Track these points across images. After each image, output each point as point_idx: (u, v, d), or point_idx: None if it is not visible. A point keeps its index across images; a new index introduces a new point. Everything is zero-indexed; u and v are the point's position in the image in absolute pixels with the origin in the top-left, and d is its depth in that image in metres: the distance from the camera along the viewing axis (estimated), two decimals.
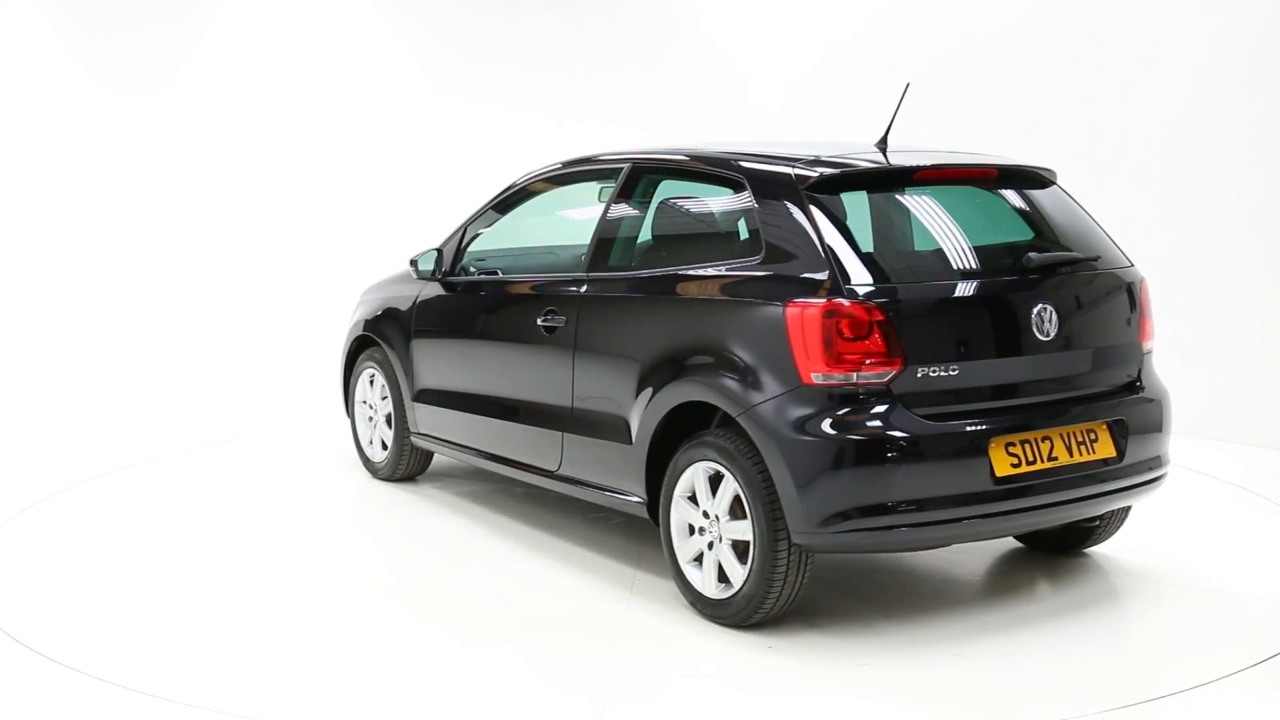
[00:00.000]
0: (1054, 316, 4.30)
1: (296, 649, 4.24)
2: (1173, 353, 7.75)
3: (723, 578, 4.35)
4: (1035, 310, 4.26)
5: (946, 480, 4.04)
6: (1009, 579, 4.94)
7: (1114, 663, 4.08)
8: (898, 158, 4.65)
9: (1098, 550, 5.23)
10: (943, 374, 4.10)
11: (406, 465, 6.38)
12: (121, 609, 4.63)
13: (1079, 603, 4.64)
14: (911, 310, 4.10)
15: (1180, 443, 7.36)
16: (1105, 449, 4.37)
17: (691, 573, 4.47)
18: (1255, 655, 4.11)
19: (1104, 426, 4.39)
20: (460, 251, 5.93)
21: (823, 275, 4.09)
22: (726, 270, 4.45)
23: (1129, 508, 4.93)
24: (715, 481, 4.35)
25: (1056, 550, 5.12)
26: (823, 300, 4.03)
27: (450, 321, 5.93)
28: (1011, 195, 4.77)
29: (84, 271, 11.06)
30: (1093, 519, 4.88)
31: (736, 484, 4.22)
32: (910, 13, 9.28)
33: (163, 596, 4.76)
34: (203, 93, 11.21)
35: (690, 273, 4.59)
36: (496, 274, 5.82)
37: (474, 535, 5.56)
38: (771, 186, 4.40)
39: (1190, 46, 7.64)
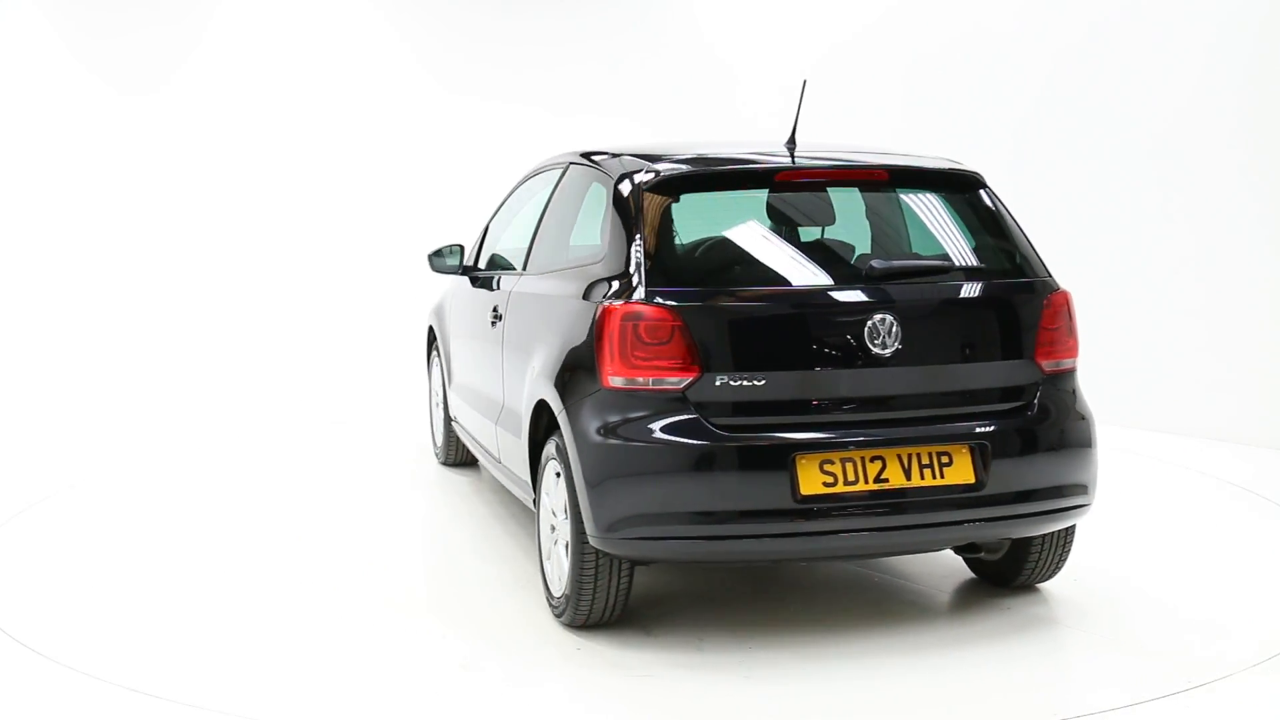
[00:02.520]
0: (895, 329, 3.97)
1: (297, 649, 4.23)
2: (1173, 353, 7.76)
3: None
4: (870, 322, 3.96)
5: (740, 494, 3.84)
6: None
7: (1114, 662, 4.08)
8: (782, 158, 4.48)
9: (1095, 550, 5.23)
10: (747, 384, 3.89)
11: (456, 452, 6.75)
12: (121, 609, 4.63)
13: (1080, 602, 4.64)
14: (714, 317, 3.94)
15: (1180, 443, 7.43)
16: (960, 474, 3.98)
17: (546, 569, 4.49)
18: (1255, 655, 4.11)
19: (963, 450, 4.00)
20: (482, 245, 6.09)
21: (634, 278, 4.03)
22: (576, 270, 4.47)
23: (1063, 538, 4.49)
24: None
25: (998, 583, 4.74)
26: (623, 303, 3.98)
27: (461, 315, 6.22)
28: (905, 199, 4.59)
29: (84, 270, 11.06)
30: (1026, 549, 4.50)
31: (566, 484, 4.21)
32: (909, 13, 9.28)
33: (163, 596, 4.76)
34: (202, 92, 11.21)
35: (556, 271, 4.70)
36: (495, 269, 5.91)
37: (491, 531, 5.57)
38: (619, 187, 4.33)
39: (1191, 46, 7.64)
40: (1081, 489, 4.23)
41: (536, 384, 4.46)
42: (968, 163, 4.69)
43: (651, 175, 4.24)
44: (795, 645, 4.15)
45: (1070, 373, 4.33)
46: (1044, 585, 4.78)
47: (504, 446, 5.13)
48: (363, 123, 11.34)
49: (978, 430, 4.04)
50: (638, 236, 4.09)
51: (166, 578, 5.00)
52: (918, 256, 4.45)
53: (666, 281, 4.00)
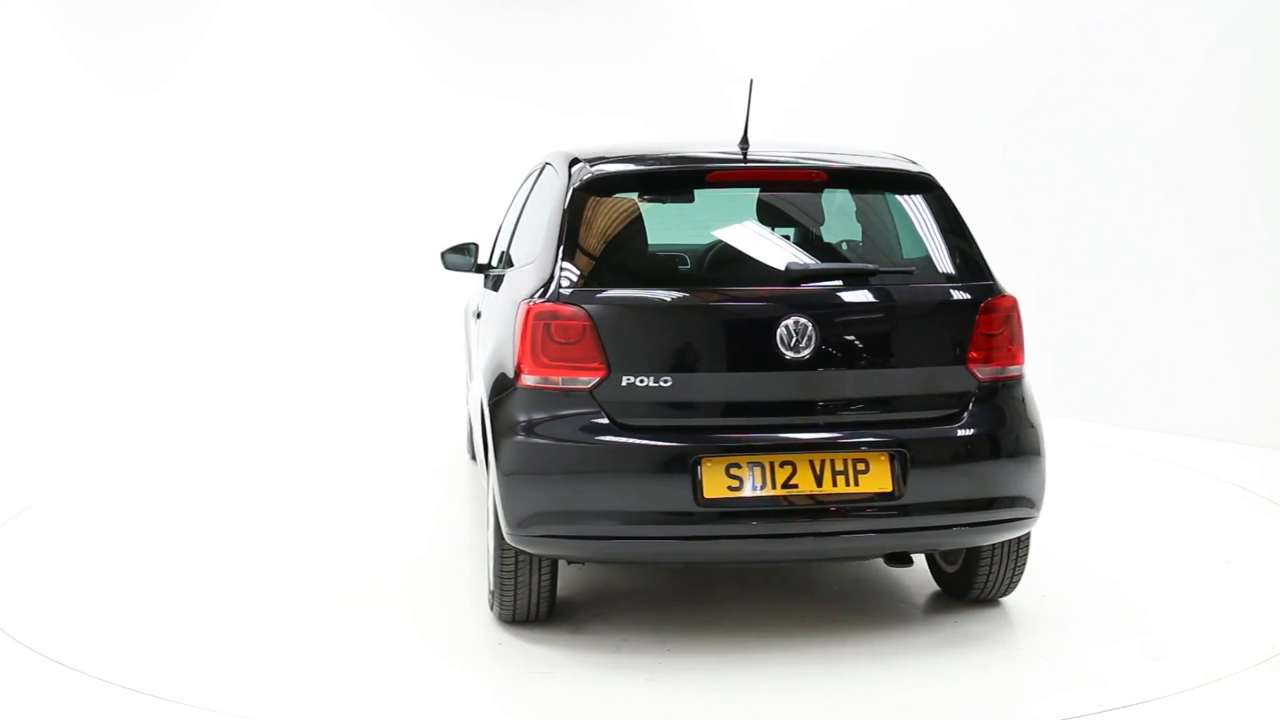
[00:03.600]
0: (811, 332, 3.90)
1: (297, 649, 4.24)
2: (1174, 353, 7.76)
3: None
4: (783, 325, 3.90)
5: (643, 496, 3.83)
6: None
7: (1114, 662, 4.08)
8: (723, 160, 4.42)
9: (1096, 550, 5.24)
10: (653, 385, 3.88)
11: None
12: (121, 609, 4.63)
13: (1079, 601, 4.64)
14: (624, 317, 3.94)
15: (1181, 442, 7.43)
16: (877, 483, 3.90)
17: (489, 565, 4.50)
18: (1255, 655, 4.11)
19: (882, 458, 3.91)
20: (495, 242, 6.15)
21: (553, 278, 4.05)
22: (525, 269, 4.46)
23: (1013, 553, 4.37)
24: None
25: (955, 596, 4.63)
26: (538, 303, 4.00)
27: (469, 312, 6.36)
28: (843, 201, 4.53)
29: (85, 270, 11.06)
30: (975, 562, 4.41)
31: None
32: (908, 13, 9.28)
33: (163, 596, 4.76)
34: (201, 92, 11.22)
35: (515, 269, 4.72)
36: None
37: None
38: (562, 186, 4.35)
39: (1191, 47, 7.64)
40: (1022, 502, 4.08)
41: (477, 382, 4.58)
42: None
43: (584, 176, 4.26)
44: (717, 650, 4.12)
45: (1015, 381, 4.17)
46: (1044, 585, 4.78)
47: (477, 443, 5.27)
48: (363, 122, 11.35)
49: (897, 438, 3.93)
50: (563, 236, 4.11)
51: (167, 577, 5.00)
52: (843, 259, 4.39)
53: (584, 282, 4.01)
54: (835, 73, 9.76)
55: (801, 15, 10.11)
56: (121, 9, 11.19)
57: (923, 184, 4.38)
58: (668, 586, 4.79)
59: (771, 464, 3.86)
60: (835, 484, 3.87)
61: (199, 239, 11.24)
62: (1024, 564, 4.41)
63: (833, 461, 3.89)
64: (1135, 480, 6.68)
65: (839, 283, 4.08)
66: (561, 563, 4.44)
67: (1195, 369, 7.66)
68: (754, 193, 4.48)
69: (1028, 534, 4.30)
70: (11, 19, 11.05)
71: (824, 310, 3.96)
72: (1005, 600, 4.60)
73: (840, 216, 4.64)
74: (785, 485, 3.85)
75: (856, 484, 3.88)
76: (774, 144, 4.68)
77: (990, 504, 4.02)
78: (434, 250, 6.16)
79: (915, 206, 4.38)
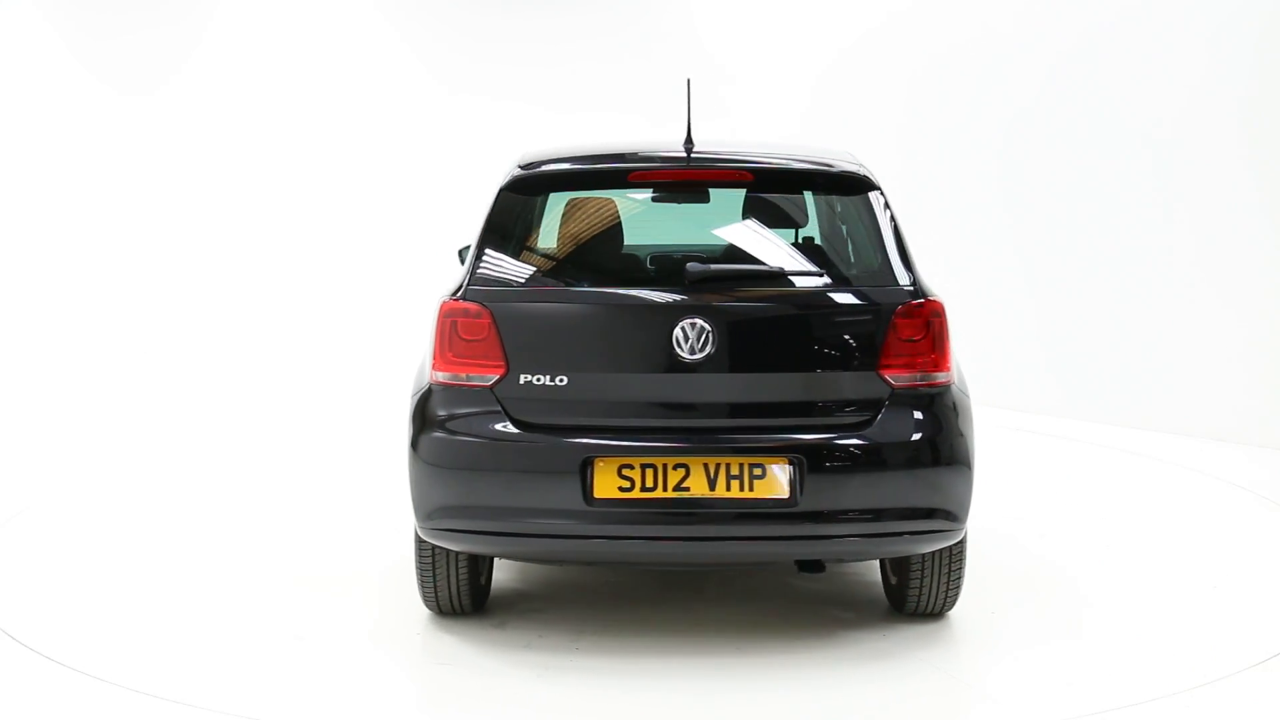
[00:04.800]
0: (707, 335, 3.87)
1: (297, 648, 4.24)
2: (1174, 353, 7.76)
3: None
4: (680, 327, 3.87)
5: (536, 493, 3.87)
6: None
7: (1113, 663, 4.08)
8: (657, 160, 4.41)
9: (1096, 549, 5.24)
10: (550, 384, 3.91)
11: None
12: (121, 609, 4.63)
13: (1079, 601, 4.64)
14: (525, 316, 4.00)
15: (1181, 442, 7.43)
16: (772, 488, 3.81)
17: None
18: (1255, 655, 4.11)
19: (780, 463, 3.83)
20: None
21: (467, 276, 4.12)
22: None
23: (945, 566, 4.21)
24: None
25: (896, 609, 4.46)
26: (448, 300, 4.07)
27: None
28: (770, 201, 4.45)
29: (85, 270, 11.07)
30: (905, 575, 4.28)
31: None
32: (907, 13, 9.28)
33: (163, 596, 4.76)
34: (201, 93, 11.22)
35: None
36: None
37: None
38: (497, 186, 4.37)
39: (1192, 47, 7.64)
40: (939, 514, 3.93)
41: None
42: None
43: (510, 176, 4.30)
44: (626, 652, 4.12)
45: (939, 388, 4.00)
46: (1045, 584, 4.78)
47: None
48: (363, 122, 11.35)
49: (796, 444, 3.86)
50: (483, 235, 4.16)
51: (165, 577, 4.99)
52: (751, 261, 4.29)
53: (496, 281, 4.06)
54: (835, 72, 9.75)
55: (801, 15, 10.11)
56: (121, 9, 11.19)
57: (854, 184, 4.27)
58: (623, 586, 4.77)
59: (664, 466, 3.83)
60: (729, 488, 3.82)
61: (199, 239, 11.24)
62: (959, 578, 4.26)
63: (728, 466, 3.83)
64: (1136, 480, 6.68)
65: (741, 285, 4.04)
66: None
67: (1195, 369, 7.66)
68: (705, 194, 4.45)
69: (961, 548, 4.17)
70: (11, 19, 11.05)
71: (721, 313, 3.91)
72: (954, 612, 4.42)
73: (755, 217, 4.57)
74: (677, 488, 3.81)
75: (751, 489, 3.82)
76: (720, 144, 4.61)
77: (898, 514, 3.90)
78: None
79: (845, 207, 4.34)
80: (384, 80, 11.34)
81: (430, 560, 4.24)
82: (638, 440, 3.87)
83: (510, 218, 4.22)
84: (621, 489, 3.82)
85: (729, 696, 3.80)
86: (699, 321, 3.88)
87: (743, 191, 4.39)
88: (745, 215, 4.39)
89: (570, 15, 11.23)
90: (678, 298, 3.93)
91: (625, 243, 4.47)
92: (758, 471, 3.83)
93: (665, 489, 3.82)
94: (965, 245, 8.81)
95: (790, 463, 3.83)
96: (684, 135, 4.42)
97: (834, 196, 4.38)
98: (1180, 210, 7.74)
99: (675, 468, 3.83)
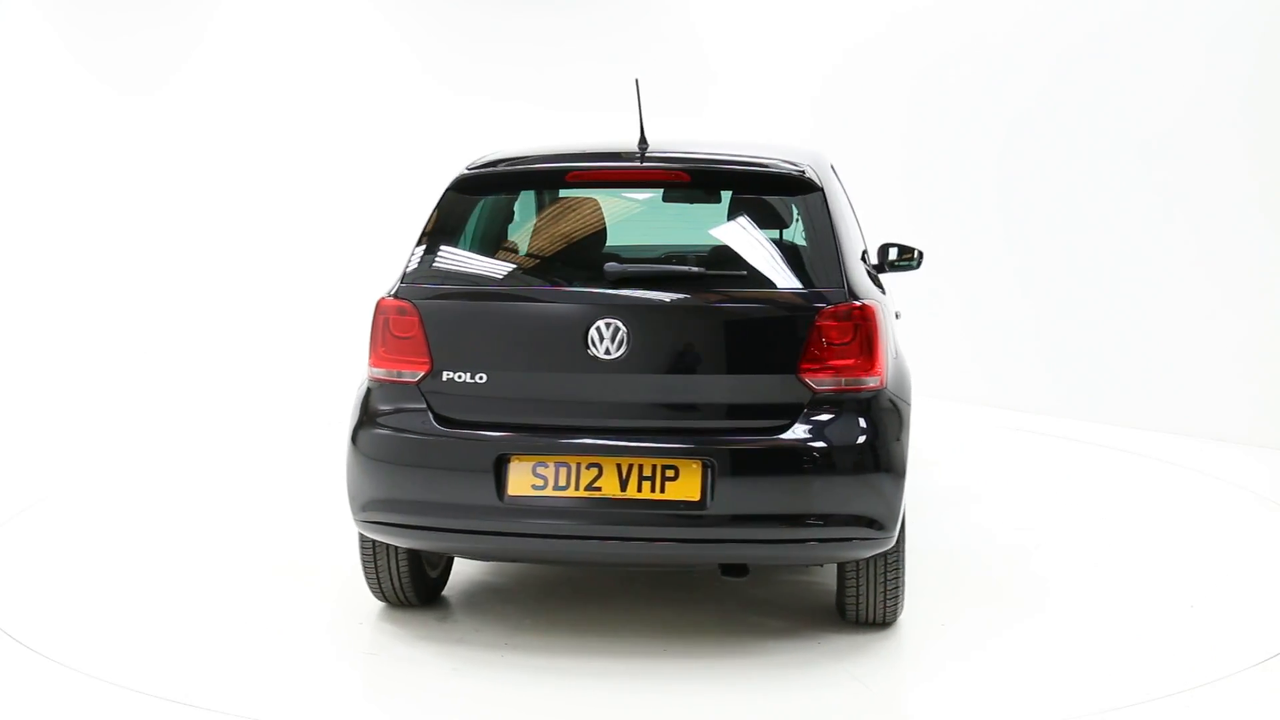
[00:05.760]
0: (621, 335, 3.86)
1: (297, 648, 4.24)
2: (1175, 353, 7.76)
3: None
4: (594, 327, 3.87)
5: (452, 489, 3.92)
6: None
7: (1114, 662, 4.08)
8: (612, 160, 4.40)
9: (1095, 549, 5.23)
10: (469, 381, 3.97)
11: None
12: (121, 609, 4.63)
13: (1079, 600, 4.64)
14: (448, 314, 4.06)
15: (1181, 442, 7.42)
16: (684, 491, 3.78)
17: None
18: (1255, 655, 4.11)
19: (693, 465, 3.79)
20: None
21: (402, 275, 4.18)
22: None
23: (880, 575, 4.12)
24: None
25: (842, 617, 4.34)
26: (382, 298, 4.15)
27: None
28: (707, 203, 4.48)
29: (84, 270, 11.07)
30: (841, 582, 4.21)
31: None
32: (907, 12, 9.28)
33: (162, 596, 4.76)
34: (201, 93, 11.23)
35: None
36: None
37: None
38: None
39: (1192, 48, 7.64)
40: (861, 522, 3.84)
41: None
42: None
43: (457, 175, 4.36)
44: (561, 651, 4.13)
45: (868, 394, 3.92)
46: (1045, 584, 4.78)
47: None
48: (363, 122, 11.35)
49: (708, 446, 3.82)
50: (420, 235, 4.24)
51: (166, 577, 4.99)
52: (670, 261, 4.33)
53: (427, 279, 4.12)
54: (835, 72, 9.76)
55: (801, 15, 10.11)
56: (121, 9, 11.20)
57: (790, 185, 4.21)
58: (582, 584, 4.77)
59: (578, 465, 3.85)
60: (640, 489, 3.81)
61: (200, 238, 11.25)
62: (896, 587, 4.17)
63: (640, 466, 3.83)
64: (1136, 480, 6.68)
65: (658, 286, 4.00)
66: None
67: (1195, 369, 7.66)
68: (659, 194, 4.51)
69: (895, 557, 4.08)
70: (11, 19, 11.06)
71: (636, 313, 3.90)
72: (903, 621, 4.35)
73: (688, 218, 4.67)
74: (589, 487, 3.83)
75: (662, 490, 3.80)
76: (674, 144, 4.54)
77: (815, 520, 3.82)
78: None
79: (780, 208, 4.33)
80: (384, 80, 11.35)
81: (371, 551, 4.32)
82: (552, 439, 3.90)
83: (452, 218, 4.27)
84: (535, 487, 3.85)
85: (640, 697, 3.79)
86: (614, 322, 3.89)
87: (728, 194, 4.40)
88: (730, 217, 4.34)
89: (570, 15, 11.23)
90: (594, 297, 3.97)
91: (603, 245, 4.48)
92: (670, 473, 3.82)
93: (578, 488, 3.83)
94: (967, 245, 8.80)
95: (704, 465, 3.81)
96: (638, 136, 4.43)
97: (774, 197, 4.32)
98: (1180, 210, 7.74)
99: (588, 467, 3.85)
